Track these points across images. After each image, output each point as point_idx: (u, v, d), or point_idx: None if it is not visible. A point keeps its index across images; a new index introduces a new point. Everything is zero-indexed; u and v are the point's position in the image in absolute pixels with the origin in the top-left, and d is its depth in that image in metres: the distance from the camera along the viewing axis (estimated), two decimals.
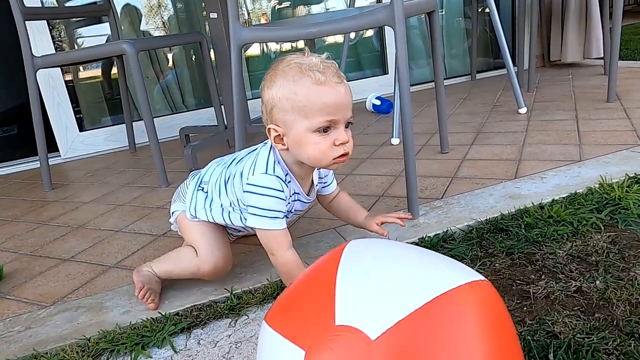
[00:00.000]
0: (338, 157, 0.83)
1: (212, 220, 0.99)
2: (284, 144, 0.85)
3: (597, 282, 0.84)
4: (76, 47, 2.52)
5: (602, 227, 1.02)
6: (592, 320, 0.75)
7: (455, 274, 0.50)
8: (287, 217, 0.94)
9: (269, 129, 0.85)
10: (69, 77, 2.42)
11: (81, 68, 2.53)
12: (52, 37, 2.27)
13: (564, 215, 1.07)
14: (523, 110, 2.03)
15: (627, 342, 0.69)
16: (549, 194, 1.20)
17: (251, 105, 2.29)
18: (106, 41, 2.50)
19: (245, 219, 0.93)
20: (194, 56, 2.70)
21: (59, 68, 2.26)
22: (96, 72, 2.63)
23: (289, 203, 0.91)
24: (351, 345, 0.46)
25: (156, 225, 1.38)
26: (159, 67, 2.65)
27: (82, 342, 0.88)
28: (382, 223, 1.03)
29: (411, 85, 2.84)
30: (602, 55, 2.67)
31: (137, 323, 0.91)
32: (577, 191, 1.19)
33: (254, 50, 2.87)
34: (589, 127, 1.70)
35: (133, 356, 0.83)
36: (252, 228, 0.92)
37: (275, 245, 0.89)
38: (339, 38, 2.72)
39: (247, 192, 0.88)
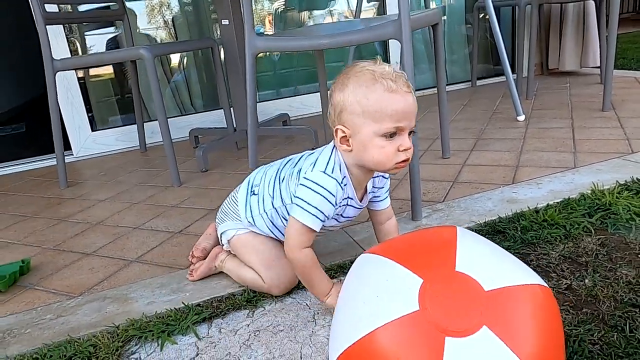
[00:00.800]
0: (400, 162, 0.85)
1: (269, 229, 1.01)
2: (349, 145, 0.87)
3: (586, 280, 0.92)
4: (85, 46, 2.59)
5: (593, 231, 1.10)
6: (580, 315, 0.83)
7: (536, 276, 0.66)
8: (338, 222, 0.97)
9: (337, 129, 0.87)
10: (80, 75, 2.49)
11: (91, 70, 2.60)
12: (67, 39, 2.34)
13: (558, 219, 1.15)
14: (521, 117, 2.11)
15: (610, 333, 0.77)
16: (544, 199, 1.28)
17: (259, 108, 2.36)
18: (109, 41, 2.57)
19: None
20: (202, 59, 2.78)
21: (73, 70, 2.34)
22: (106, 72, 2.70)
23: (338, 207, 0.91)
24: (467, 286, 0.59)
25: (172, 223, 1.46)
26: (169, 68, 2.73)
27: (111, 329, 0.95)
28: None
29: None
30: (598, 65, 2.76)
31: (162, 312, 0.98)
32: (571, 196, 1.27)
33: (261, 54, 2.94)
34: (584, 135, 1.78)
35: (160, 342, 0.90)
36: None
37: (298, 239, 0.90)
38: None
39: (301, 185, 0.90)
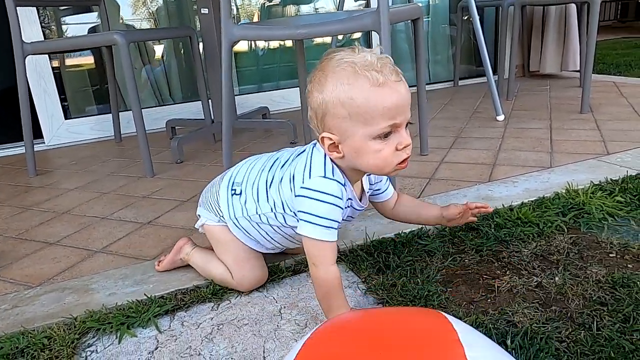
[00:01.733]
0: (401, 162, 0.77)
1: (257, 231, 0.93)
2: (339, 152, 0.77)
3: (556, 278, 0.91)
4: (63, 34, 2.52)
5: (566, 229, 1.10)
6: (548, 312, 0.82)
7: None
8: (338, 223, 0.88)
9: (322, 137, 0.77)
10: (55, 65, 2.42)
11: (67, 56, 2.53)
12: (41, 23, 2.27)
13: (531, 217, 1.14)
14: (501, 117, 2.11)
15: (577, 331, 0.76)
16: (519, 197, 1.27)
17: (238, 101, 2.33)
18: (90, 31, 2.50)
19: (286, 224, 0.88)
20: (182, 49, 2.72)
21: (47, 55, 2.27)
22: (83, 60, 2.63)
23: (344, 210, 0.83)
24: None
25: (142, 213, 1.42)
26: (147, 58, 2.67)
27: (68, 320, 0.91)
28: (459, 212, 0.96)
29: None
30: (578, 68, 2.78)
31: (123, 304, 0.95)
32: (545, 195, 1.26)
33: (242, 46, 2.90)
34: (561, 136, 1.79)
35: (118, 335, 0.87)
36: (296, 240, 0.87)
37: (322, 257, 0.80)
38: (327, 38, 2.77)
39: (301, 196, 0.79)
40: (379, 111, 0.71)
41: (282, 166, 0.87)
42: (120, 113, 2.33)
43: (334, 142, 0.76)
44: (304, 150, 0.86)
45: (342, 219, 0.84)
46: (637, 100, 2.23)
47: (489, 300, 0.87)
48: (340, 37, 2.92)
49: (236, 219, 0.93)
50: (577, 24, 2.76)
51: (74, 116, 2.46)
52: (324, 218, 0.78)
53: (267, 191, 0.88)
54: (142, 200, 1.53)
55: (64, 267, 1.14)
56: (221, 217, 0.95)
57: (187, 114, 2.55)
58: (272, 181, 0.87)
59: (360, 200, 0.88)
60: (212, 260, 1.00)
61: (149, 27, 2.67)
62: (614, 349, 0.71)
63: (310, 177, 0.79)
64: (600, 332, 0.75)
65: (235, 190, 0.92)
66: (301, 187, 0.80)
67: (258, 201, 0.89)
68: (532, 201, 1.24)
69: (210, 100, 2.16)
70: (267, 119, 2.38)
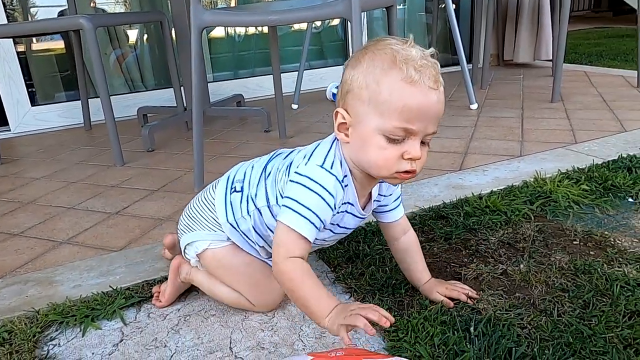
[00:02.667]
0: (402, 172, 0.69)
1: (255, 236, 0.83)
2: (347, 136, 0.72)
3: (521, 265, 0.93)
4: (29, 18, 2.43)
5: (532, 217, 1.12)
6: (512, 299, 0.83)
7: None
8: (334, 233, 0.80)
9: (337, 112, 0.72)
10: (21, 49, 2.34)
11: (34, 40, 2.44)
12: (4, 5, 2.18)
13: (500, 205, 1.16)
14: (474, 106, 2.13)
15: (539, 317, 0.78)
16: (489, 186, 1.29)
17: (212, 88, 2.29)
18: (59, 14, 2.42)
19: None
20: (154, 35, 2.66)
21: (11, 39, 2.18)
22: (51, 45, 2.55)
23: (336, 213, 0.75)
24: None
25: (110, 203, 1.39)
26: (117, 43, 2.60)
27: (30, 314, 0.89)
28: (446, 295, 0.84)
29: None
30: (551, 58, 2.82)
31: (87, 297, 0.93)
32: (514, 184, 1.28)
33: (219, 32, 2.85)
34: (532, 125, 1.81)
35: (82, 328, 0.85)
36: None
37: (284, 248, 0.71)
38: (302, 25, 2.74)
39: (292, 181, 0.72)
40: (397, 108, 0.66)
41: (286, 156, 0.81)
42: (90, 100, 2.27)
43: (346, 123, 0.71)
44: (310, 145, 0.79)
45: (338, 225, 0.78)
46: (606, 90, 2.28)
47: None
48: (318, 23, 2.89)
49: (235, 221, 0.82)
50: (550, 14, 2.79)
51: (41, 103, 2.39)
52: (308, 209, 0.70)
53: (265, 182, 0.80)
54: (111, 189, 1.50)
55: (27, 259, 1.11)
56: (219, 227, 0.83)
57: (159, 101, 2.50)
58: (270, 171, 0.80)
59: (363, 208, 0.79)
60: (220, 283, 0.86)
61: (120, 10, 2.59)
62: (573, 334, 0.73)
63: (306, 164, 0.73)
64: (560, 318, 0.77)
65: (235, 187, 0.83)
66: (295, 172, 0.73)
67: (256, 194, 0.80)
68: (501, 190, 1.26)
69: (182, 88, 2.12)
70: (242, 107, 2.35)
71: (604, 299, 0.81)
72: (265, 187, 0.79)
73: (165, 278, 0.97)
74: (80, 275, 1.01)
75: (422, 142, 0.69)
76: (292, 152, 0.81)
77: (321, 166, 0.72)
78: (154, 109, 2.29)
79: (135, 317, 0.87)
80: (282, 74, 1.89)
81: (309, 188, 0.71)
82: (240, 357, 0.75)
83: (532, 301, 0.82)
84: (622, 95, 2.17)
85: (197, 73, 1.35)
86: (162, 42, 2.54)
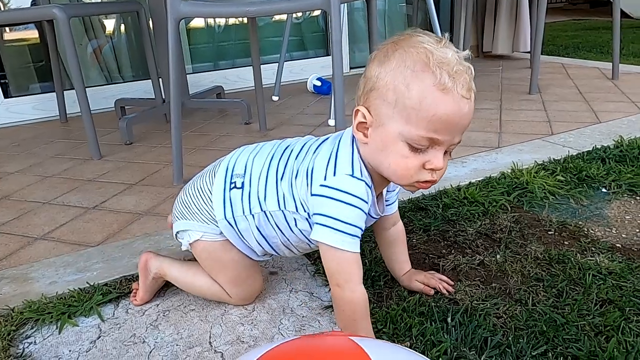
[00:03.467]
0: (422, 181, 0.66)
1: (256, 238, 0.79)
2: (365, 136, 0.67)
3: (498, 256, 0.95)
4: (2, 7, 2.36)
5: (509, 208, 1.13)
6: (488, 289, 0.85)
7: None
8: None
9: (357, 110, 0.67)
10: None
11: (7, 30, 2.37)
12: None
13: (478, 196, 1.18)
14: None
15: (514, 307, 0.79)
16: (467, 177, 1.30)
17: (191, 79, 2.26)
18: (32, 3, 2.36)
19: (293, 227, 0.76)
20: (132, 25, 2.61)
21: None
22: (25, 34, 2.48)
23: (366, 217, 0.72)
24: None
25: (87, 198, 1.36)
26: (93, 34, 2.54)
27: (5, 312, 0.87)
28: (424, 284, 0.86)
29: (352, 68, 2.91)
30: (529, 49, 2.85)
31: (64, 293, 0.91)
32: (492, 175, 1.30)
33: (198, 22, 2.80)
34: (510, 117, 1.84)
35: (59, 325, 0.84)
36: (313, 243, 0.73)
37: (347, 275, 0.69)
38: (284, 15, 2.72)
39: (321, 196, 0.68)
40: (427, 117, 0.61)
41: (297, 157, 0.75)
42: (65, 92, 2.21)
43: (366, 122, 0.67)
44: (324, 141, 0.74)
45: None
46: (582, 82, 2.32)
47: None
48: (299, 14, 2.87)
49: (234, 218, 0.78)
50: (528, 6, 2.82)
51: (14, 95, 2.32)
52: (348, 224, 0.67)
53: (277, 185, 0.74)
54: (88, 183, 1.48)
55: (1, 255, 1.08)
56: (213, 222, 0.79)
57: (137, 92, 2.46)
58: (283, 173, 0.74)
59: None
60: (196, 273, 0.85)
61: (95, 1, 2.53)
62: (547, 323, 0.74)
63: (335, 174, 0.68)
64: (535, 307, 0.79)
65: (235, 183, 0.77)
66: (321, 185, 0.68)
67: (265, 196, 0.75)
68: (479, 181, 1.28)
69: (160, 79, 2.09)
70: (221, 99, 2.33)
71: (577, 288, 0.83)
72: (278, 191, 0.74)
73: None
74: (56, 271, 0.99)
75: (446, 151, 0.66)
76: (302, 149, 0.75)
77: (352, 175, 0.68)
78: (132, 101, 2.25)
79: (113, 313, 0.86)
80: (262, 66, 1.87)
81: (345, 202, 0.67)
82: (220, 352, 0.75)
83: (508, 291, 0.84)
84: (598, 87, 2.21)
85: (176, 64, 1.33)
86: (139, 32, 2.50)
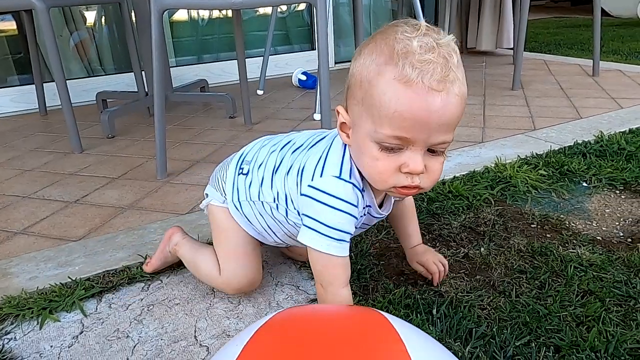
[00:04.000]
0: (401, 187, 0.61)
1: (255, 221, 0.80)
2: (348, 137, 0.64)
3: (482, 249, 0.96)
4: None
5: (493, 202, 1.15)
6: (473, 281, 0.86)
7: None
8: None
9: (337, 110, 0.65)
10: None
11: None
12: None
13: (462, 190, 1.19)
14: None
15: (498, 298, 0.80)
16: (452, 172, 1.31)
17: (174, 73, 2.23)
18: None
19: (288, 221, 0.75)
20: (114, 16, 2.56)
21: None
22: (2, 25, 2.41)
23: (360, 217, 0.69)
24: None
25: (68, 192, 1.34)
26: (74, 25, 2.49)
27: None
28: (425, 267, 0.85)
29: (337, 63, 2.91)
30: (512, 46, 2.88)
31: (45, 288, 0.89)
32: (476, 169, 1.31)
33: (181, 14, 2.77)
34: (493, 112, 1.86)
35: (40, 320, 0.82)
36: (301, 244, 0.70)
37: (332, 277, 0.67)
38: (268, 9, 2.70)
39: (308, 197, 0.66)
40: (388, 113, 0.56)
41: (294, 151, 0.73)
42: (45, 84, 2.17)
43: (346, 123, 0.64)
44: (323, 138, 0.72)
45: (355, 227, 0.70)
46: (564, 78, 2.35)
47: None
48: (284, 8, 2.85)
49: (239, 202, 0.79)
50: (511, 4, 2.85)
51: None
52: (335, 229, 0.65)
53: (272, 177, 0.74)
54: (69, 177, 1.45)
55: None
56: (225, 200, 0.82)
57: (119, 85, 2.42)
58: (279, 167, 0.73)
59: (380, 207, 0.73)
60: (202, 253, 0.86)
61: None
62: (530, 314, 0.76)
63: (321, 175, 0.65)
64: (518, 299, 0.80)
65: (242, 169, 0.79)
66: (308, 186, 0.66)
67: (261, 186, 0.75)
68: (463, 175, 1.29)
69: (143, 72, 2.06)
70: (206, 92, 2.31)
71: (559, 280, 0.84)
72: (273, 184, 0.73)
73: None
74: (36, 266, 0.97)
75: (434, 151, 0.60)
76: (302, 145, 0.73)
77: (339, 177, 0.65)
78: (114, 94, 2.22)
79: (96, 308, 0.85)
80: (247, 59, 1.86)
81: (330, 206, 0.64)
82: (206, 346, 0.75)
83: (491, 283, 0.85)
84: (579, 83, 2.25)
85: (159, 57, 1.31)
86: (121, 24, 2.46)
